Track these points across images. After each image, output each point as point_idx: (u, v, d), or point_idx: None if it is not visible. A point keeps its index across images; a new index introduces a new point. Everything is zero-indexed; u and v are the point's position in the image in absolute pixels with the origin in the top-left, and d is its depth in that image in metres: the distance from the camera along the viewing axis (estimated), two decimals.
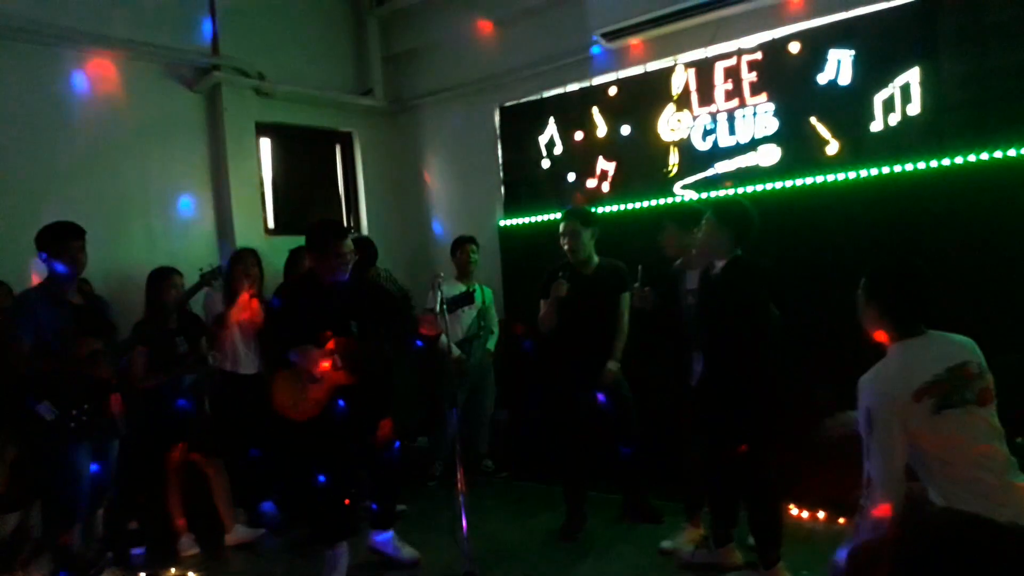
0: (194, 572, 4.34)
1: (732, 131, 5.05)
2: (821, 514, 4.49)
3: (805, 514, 4.55)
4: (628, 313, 4.46)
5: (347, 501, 4.65)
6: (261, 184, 6.40)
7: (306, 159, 7.01)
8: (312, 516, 4.33)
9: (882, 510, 2.56)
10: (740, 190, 4.85)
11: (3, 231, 4.73)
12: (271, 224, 6.53)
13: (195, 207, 5.95)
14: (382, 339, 4.07)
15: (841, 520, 4.33)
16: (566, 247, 4.47)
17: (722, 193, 4.89)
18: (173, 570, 4.37)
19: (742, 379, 3.50)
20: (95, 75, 5.40)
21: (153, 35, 5.65)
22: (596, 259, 4.53)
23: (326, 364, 3.89)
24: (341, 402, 3.93)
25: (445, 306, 4.12)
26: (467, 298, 4.30)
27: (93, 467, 3.83)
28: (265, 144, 6.59)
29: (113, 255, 5.26)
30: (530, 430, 5.93)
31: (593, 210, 4.75)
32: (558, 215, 5.77)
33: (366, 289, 4.27)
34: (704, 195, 5.01)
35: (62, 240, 3.82)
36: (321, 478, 3.97)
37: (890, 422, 2.51)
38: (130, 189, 5.54)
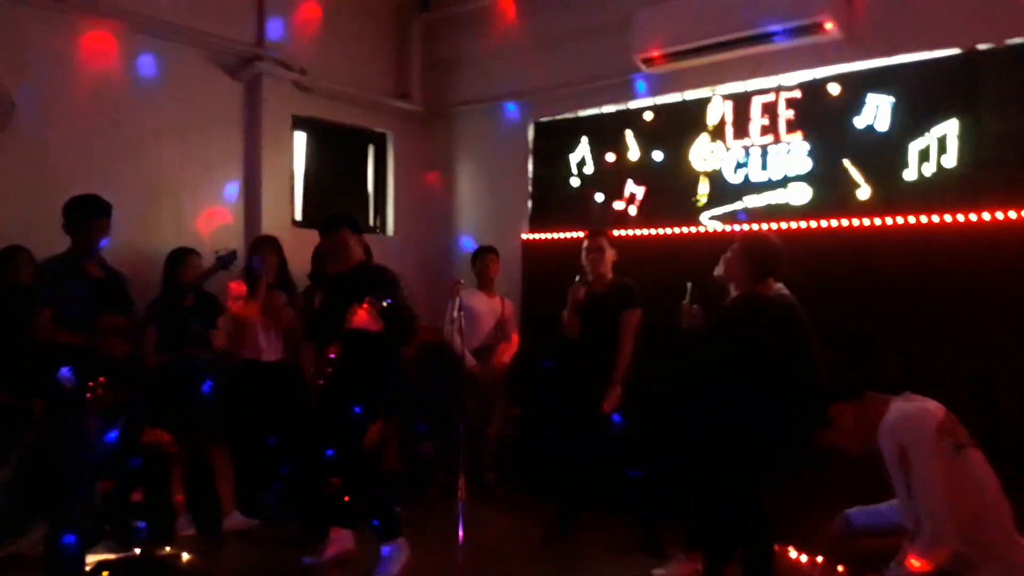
0: (189, 553, 4.36)
1: (764, 166, 5.03)
2: (820, 558, 4.43)
3: (804, 558, 4.49)
4: (632, 332, 4.54)
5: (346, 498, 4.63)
6: (292, 176, 6.46)
7: (339, 155, 7.07)
8: (372, 510, 4.24)
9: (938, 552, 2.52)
10: (768, 226, 4.83)
11: (46, 205, 4.79)
12: (298, 216, 6.58)
13: (226, 194, 6.01)
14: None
15: (840, 568, 4.27)
16: (589, 262, 4.64)
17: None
18: (169, 548, 4.40)
19: (727, 412, 3.54)
20: (141, 56, 5.49)
21: (200, 21, 5.73)
22: (609, 277, 4.70)
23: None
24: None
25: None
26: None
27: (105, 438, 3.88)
28: (300, 137, 6.66)
29: (142, 234, 5.32)
30: (536, 444, 5.91)
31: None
32: (583, 234, 5.82)
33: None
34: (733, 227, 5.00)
35: (90, 214, 3.87)
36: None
37: (929, 450, 2.52)
38: (165, 171, 5.62)
